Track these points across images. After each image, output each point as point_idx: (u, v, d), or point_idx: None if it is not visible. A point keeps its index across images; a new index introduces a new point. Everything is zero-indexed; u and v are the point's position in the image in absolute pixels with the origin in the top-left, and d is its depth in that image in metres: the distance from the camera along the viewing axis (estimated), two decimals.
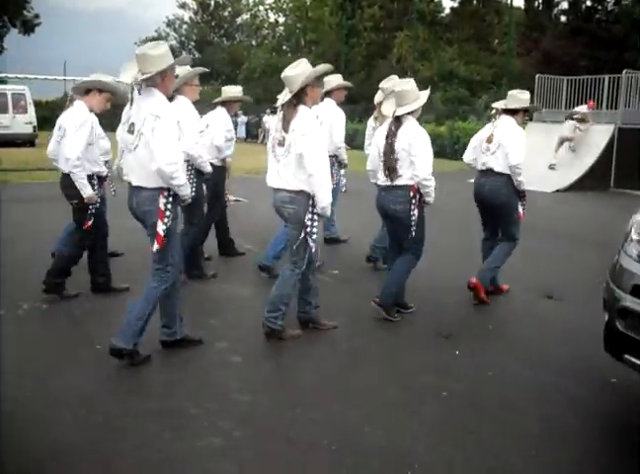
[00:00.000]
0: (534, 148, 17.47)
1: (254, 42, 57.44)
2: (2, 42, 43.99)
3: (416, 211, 5.35)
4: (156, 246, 4.40)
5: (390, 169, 5.37)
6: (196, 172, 6.27)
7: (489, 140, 6.08)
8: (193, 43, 62.92)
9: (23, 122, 24.92)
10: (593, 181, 16.89)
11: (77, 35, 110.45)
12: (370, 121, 7.95)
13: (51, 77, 18.50)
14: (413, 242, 5.48)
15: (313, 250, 4.98)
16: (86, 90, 5.83)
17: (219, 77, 52.29)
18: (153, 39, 61.49)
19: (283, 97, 4.87)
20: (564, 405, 4.11)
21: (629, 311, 3.49)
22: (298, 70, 4.77)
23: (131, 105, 4.48)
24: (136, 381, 4.36)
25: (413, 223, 5.36)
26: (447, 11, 46.46)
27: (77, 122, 5.62)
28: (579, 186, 16.48)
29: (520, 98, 6.17)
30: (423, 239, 5.55)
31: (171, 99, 5.11)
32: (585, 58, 34.79)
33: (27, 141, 24.72)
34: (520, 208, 6.16)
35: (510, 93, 6.25)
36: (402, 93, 5.34)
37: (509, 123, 6.05)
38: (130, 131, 4.40)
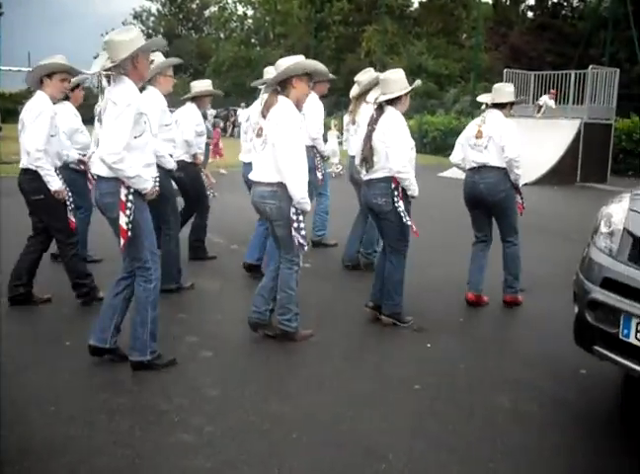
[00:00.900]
0: None
1: (222, 35, 57.04)
2: None
3: (401, 203, 5.15)
4: (122, 241, 4.20)
5: (364, 159, 5.26)
6: (160, 169, 5.88)
7: (478, 136, 5.91)
8: (160, 36, 62.30)
9: None
10: (559, 175, 17.13)
11: (42, 25, 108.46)
12: (346, 116, 7.88)
13: (15, 68, 18.16)
14: (398, 239, 5.29)
15: (305, 248, 4.81)
16: (40, 80, 5.55)
17: (187, 70, 51.87)
18: None
19: (267, 84, 4.82)
20: (531, 396, 4.17)
21: (599, 303, 3.53)
22: (290, 60, 4.70)
23: (102, 95, 4.37)
24: (107, 377, 4.30)
25: (403, 215, 5.16)
26: (416, 5, 46.70)
27: (34, 113, 5.36)
28: (546, 180, 16.68)
29: (507, 91, 6.06)
30: (407, 235, 5.32)
31: (141, 90, 4.96)
32: (551, 54, 35.18)
33: None
34: (520, 200, 6.02)
35: (495, 86, 6.14)
36: (387, 80, 5.22)
37: (497, 117, 5.92)
38: (99, 121, 4.30)
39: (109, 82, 4.30)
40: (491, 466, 3.37)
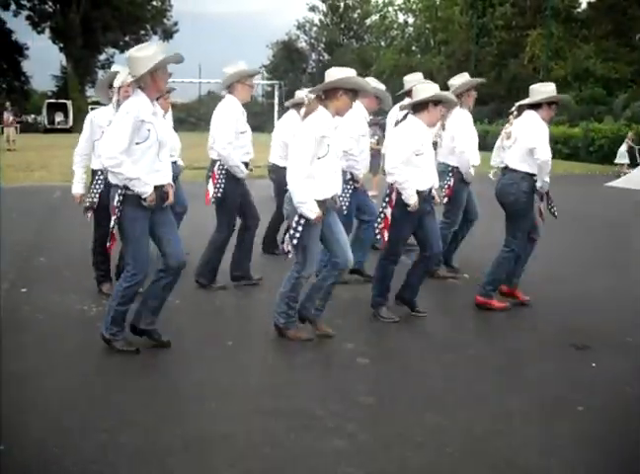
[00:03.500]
0: None
1: (383, 43, 57.40)
2: None
3: (388, 210, 5.32)
4: (108, 243, 4.75)
5: None
6: (227, 174, 6.13)
7: (507, 137, 5.82)
8: (322, 45, 63.80)
9: None
10: None
11: (211, 39, 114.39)
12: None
13: (187, 80, 19.23)
14: (387, 243, 5.46)
15: (290, 255, 4.95)
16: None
17: None
18: (284, 42, 62.94)
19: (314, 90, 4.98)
20: None
21: None
22: (342, 72, 4.84)
23: (116, 108, 4.82)
24: (265, 380, 4.48)
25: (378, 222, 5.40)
26: (584, 6, 44.63)
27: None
28: None
29: (541, 90, 5.77)
30: (396, 242, 5.48)
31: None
32: None
33: None
34: (543, 208, 5.88)
35: (531, 87, 5.87)
36: (418, 90, 5.41)
37: (529, 118, 5.71)
38: None
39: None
40: None
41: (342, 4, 62.72)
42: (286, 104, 8.17)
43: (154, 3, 56.14)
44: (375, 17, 58.53)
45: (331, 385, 4.36)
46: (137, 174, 4.42)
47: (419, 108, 5.37)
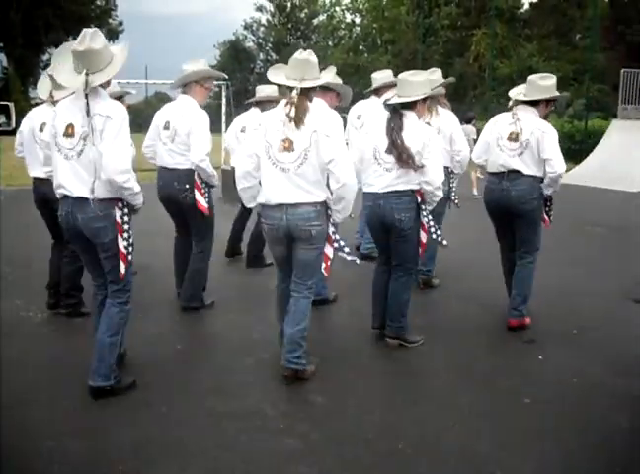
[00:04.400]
0: (617, 146, 16.98)
1: (330, 43, 57.55)
2: None
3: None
4: (122, 268, 3.95)
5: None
6: (207, 183, 5.61)
7: (512, 138, 5.13)
8: (270, 45, 63.61)
9: None
10: None
11: (157, 39, 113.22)
12: None
13: (133, 81, 18.95)
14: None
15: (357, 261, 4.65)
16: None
17: None
18: (231, 42, 62.60)
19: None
20: None
21: None
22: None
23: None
24: (212, 383, 4.42)
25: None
26: (527, 6, 45.50)
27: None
28: None
29: (542, 85, 5.15)
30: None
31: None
32: None
33: None
34: (547, 214, 5.37)
35: (529, 78, 5.21)
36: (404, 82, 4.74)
37: (535, 120, 5.13)
38: (68, 135, 3.87)
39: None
40: None
41: (289, 4, 62.62)
42: (251, 100, 7.46)
43: (98, 2, 55.21)
44: (323, 17, 58.69)
45: (281, 386, 4.32)
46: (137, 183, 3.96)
47: (409, 104, 4.74)
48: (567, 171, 5.62)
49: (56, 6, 49.50)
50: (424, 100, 4.80)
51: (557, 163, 5.04)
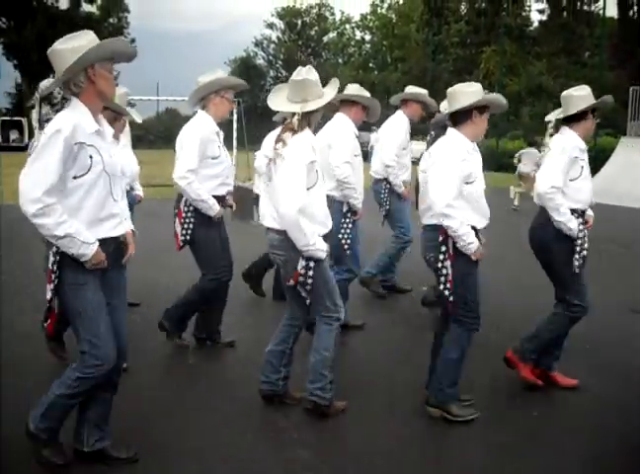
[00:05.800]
0: (625, 163, 17.01)
1: (340, 60, 57.98)
2: None
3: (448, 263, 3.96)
4: (45, 323, 3.42)
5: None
6: (195, 212, 4.92)
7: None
8: (280, 62, 64.03)
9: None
10: None
11: (169, 57, 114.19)
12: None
13: (145, 98, 19.19)
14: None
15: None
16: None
17: None
18: (242, 59, 63.07)
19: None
20: None
21: None
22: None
23: (39, 126, 3.93)
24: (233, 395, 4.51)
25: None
26: (536, 24, 45.77)
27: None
28: None
29: (576, 96, 4.38)
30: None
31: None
32: None
33: None
34: (576, 262, 4.33)
35: (563, 94, 4.49)
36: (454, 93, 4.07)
37: (559, 140, 4.44)
38: None
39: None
40: None
41: (299, 21, 63.11)
42: (275, 118, 6.34)
43: (111, 20, 55.93)
44: (333, 34, 59.19)
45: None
46: (72, 228, 3.02)
47: (460, 117, 4.05)
48: None
49: (71, 24, 50.12)
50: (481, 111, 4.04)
51: (539, 180, 4.38)
